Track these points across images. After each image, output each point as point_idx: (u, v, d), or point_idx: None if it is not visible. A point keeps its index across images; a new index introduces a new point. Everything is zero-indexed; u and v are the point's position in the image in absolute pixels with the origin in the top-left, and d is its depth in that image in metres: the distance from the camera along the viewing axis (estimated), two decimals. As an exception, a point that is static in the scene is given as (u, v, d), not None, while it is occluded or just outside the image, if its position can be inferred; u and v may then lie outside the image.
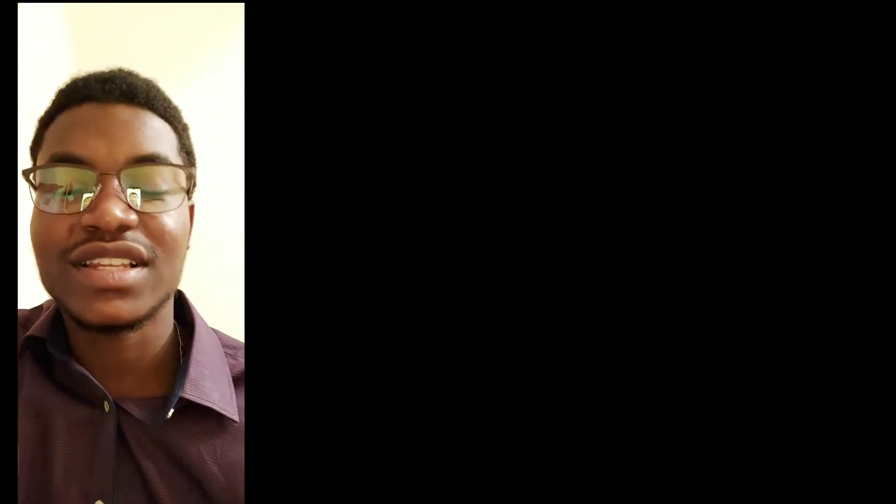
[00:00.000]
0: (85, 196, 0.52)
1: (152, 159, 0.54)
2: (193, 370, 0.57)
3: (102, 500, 0.53)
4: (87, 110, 0.55)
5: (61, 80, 0.58)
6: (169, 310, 0.59)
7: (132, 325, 0.53)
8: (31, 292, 0.63)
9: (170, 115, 0.58)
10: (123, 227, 0.52)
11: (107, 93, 0.55)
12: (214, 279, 0.58)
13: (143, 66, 0.60)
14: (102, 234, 0.51)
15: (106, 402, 0.55)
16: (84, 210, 0.52)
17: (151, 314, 0.55)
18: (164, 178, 0.55)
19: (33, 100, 0.59)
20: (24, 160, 0.57)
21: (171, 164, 0.55)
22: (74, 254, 0.52)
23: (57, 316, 0.58)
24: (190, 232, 0.58)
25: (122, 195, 0.52)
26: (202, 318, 0.62)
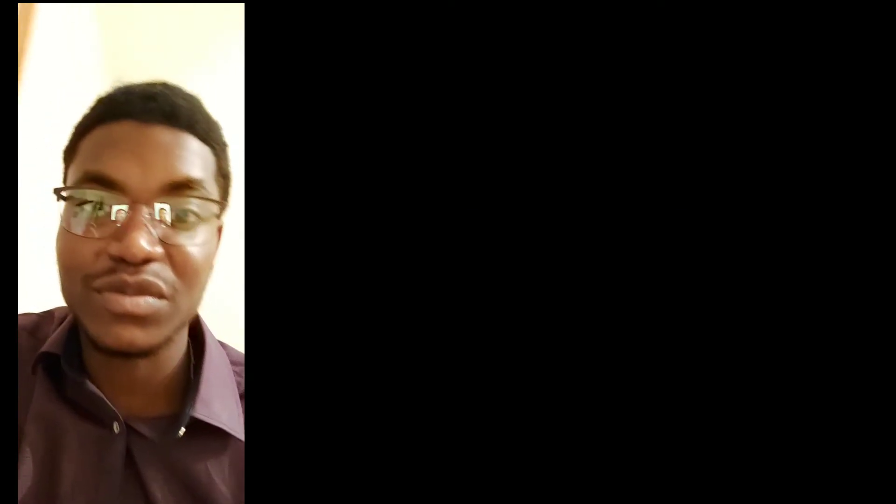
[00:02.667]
0: (115, 209, 0.51)
1: (187, 185, 0.52)
2: (204, 389, 0.57)
3: None
4: (125, 128, 0.53)
5: (88, 80, 0.57)
6: (184, 332, 0.59)
7: (146, 352, 0.53)
8: (37, 295, 0.63)
9: (211, 136, 0.56)
10: (148, 260, 0.51)
11: (148, 112, 0.53)
12: (213, 285, 0.57)
13: (165, 64, 0.59)
14: (127, 266, 0.50)
15: (116, 423, 0.55)
16: (111, 236, 0.51)
17: (166, 342, 0.54)
18: (197, 206, 0.53)
19: (59, 99, 0.59)
20: (27, 156, 0.57)
21: (206, 198, 0.54)
22: (97, 282, 0.51)
23: (72, 332, 0.58)
24: (216, 254, 0.58)
25: (150, 225, 0.51)
26: (212, 335, 0.61)
